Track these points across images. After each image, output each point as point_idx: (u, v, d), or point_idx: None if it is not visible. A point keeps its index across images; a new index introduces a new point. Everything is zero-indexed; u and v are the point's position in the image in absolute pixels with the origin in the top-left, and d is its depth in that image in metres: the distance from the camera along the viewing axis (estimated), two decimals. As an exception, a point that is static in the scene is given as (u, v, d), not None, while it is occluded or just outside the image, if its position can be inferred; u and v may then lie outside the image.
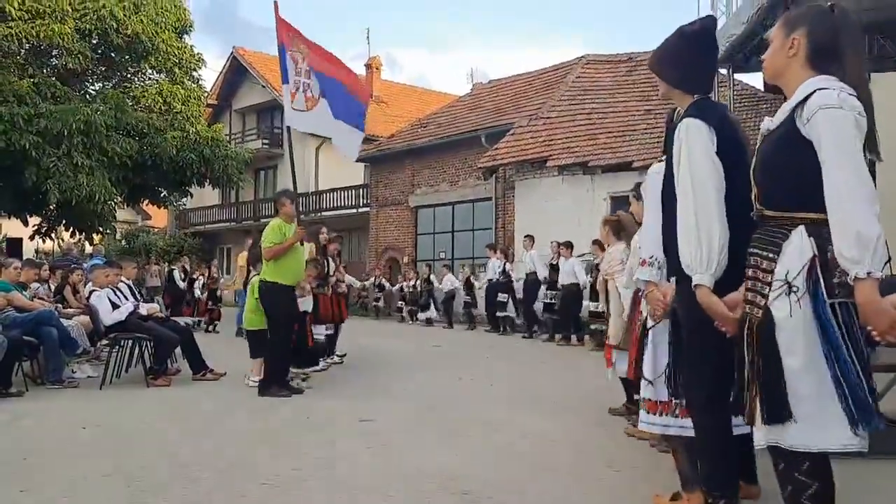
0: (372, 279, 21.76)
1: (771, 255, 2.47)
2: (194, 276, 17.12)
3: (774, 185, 2.50)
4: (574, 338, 13.21)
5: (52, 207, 17.99)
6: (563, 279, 13.48)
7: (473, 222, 21.54)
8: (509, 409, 6.58)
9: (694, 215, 2.83)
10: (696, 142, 2.89)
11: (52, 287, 10.33)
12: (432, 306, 19.09)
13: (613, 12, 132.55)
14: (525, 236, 16.02)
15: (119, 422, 6.08)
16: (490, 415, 6.33)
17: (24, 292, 8.43)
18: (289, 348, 7.56)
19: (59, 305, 9.21)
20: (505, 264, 16.19)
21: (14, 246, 19.59)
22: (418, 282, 19.70)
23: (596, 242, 12.34)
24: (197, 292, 16.72)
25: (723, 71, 10.88)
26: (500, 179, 19.95)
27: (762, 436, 2.43)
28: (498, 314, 16.14)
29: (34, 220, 19.93)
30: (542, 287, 14.59)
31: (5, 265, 8.62)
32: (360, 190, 26.60)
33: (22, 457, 4.79)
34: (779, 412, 2.35)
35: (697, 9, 11.18)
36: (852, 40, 2.49)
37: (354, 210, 26.26)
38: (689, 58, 3.14)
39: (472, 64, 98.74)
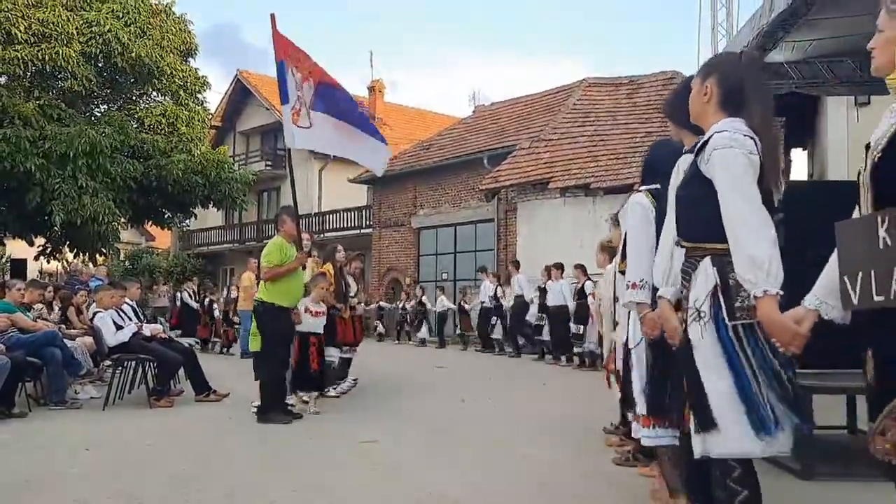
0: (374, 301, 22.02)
1: (687, 284, 2.77)
2: (212, 298, 17.10)
3: (686, 219, 2.80)
4: (563, 358, 13.51)
5: (56, 228, 18.04)
6: (552, 301, 13.79)
7: (476, 243, 21.61)
8: (510, 431, 6.59)
9: None
10: None
11: (57, 308, 10.35)
12: (424, 327, 19.57)
13: (614, 36, 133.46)
14: (511, 262, 16.69)
15: (122, 443, 6.10)
16: (491, 436, 6.34)
17: (27, 313, 8.46)
18: (285, 372, 7.31)
19: (63, 326, 9.23)
20: (496, 288, 16.66)
21: (18, 267, 19.61)
22: (409, 303, 20.34)
23: (578, 267, 12.76)
24: (216, 313, 16.60)
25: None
26: (502, 201, 20.02)
27: (699, 447, 2.64)
28: (490, 336, 16.75)
29: (39, 241, 20.00)
30: (532, 308, 14.96)
31: (9, 286, 8.67)
32: (363, 211, 26.71)
33: (24, 478, 4.80)
34: (706, 423, 2.57)
35: (698, 31, 11.23)
36: (755, 87, 2.72)
37: (357, 231, 26.33)
38: None
39: (473, 87, 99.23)
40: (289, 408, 7.28)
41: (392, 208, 24.40)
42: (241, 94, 32.54)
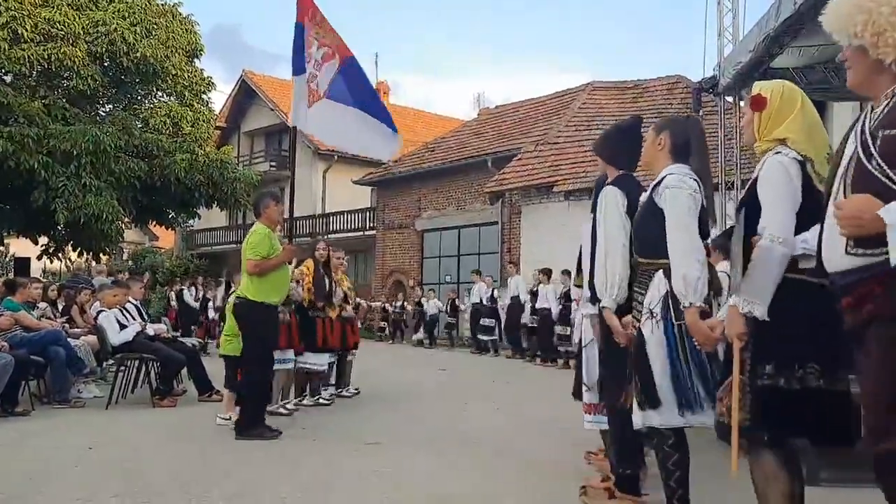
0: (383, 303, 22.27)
1: (642, 291, 3.53)
2: (208, 297, 17.04)
3: (643, 240, 3.57)
4: (538, 359, 14.25)
5: (59, 227, 18.04)
6: (541, 304, 14.44)
7: (480, 246, 21.59)
8: (513, 433, 6.58)
9: (604, 256, 3.87)
10: (611, 204, 3.90)
11: (60, 307, 10.35)
12: (422, 328, 20.16)
13: (620, 41, 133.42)
14: (510, 263, 17.39)
15: (125, 442, 6.08)
16: (495, 439, 6.33)
17: (32, 312, 8.47)
18: (271, 379, 6.66)
19: (67, 325, 9.24)
20: (493, 290, 17.09)
21: (22, 265, 19.66)
22: (406, 303, 21.06)
23: (566, 272, 13.00)
24: (211, 313, 16.57)
25: (729, 99, 10.88)
26: (506, 204, 20.03)
27: (639, 420, 3.41)
28: (481, 336, 17.14)
29: (42, 240, 20.01)
30: (527, 310, 15.30)
31: (21, 284, 8.71)
32: (367, 213, 26.71)
33: (28, 477, 4.80)
34: (652, 402, 3.34)
35: (704, 35, 11.22)
36: (698, 142, 3.57)
37: (361, 233, 26.34)
38: (619, 144, 4.18)
39: (476, 89, 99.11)
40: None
41: (396, 210, 24.40)
42: (245, 95, 32.58)
